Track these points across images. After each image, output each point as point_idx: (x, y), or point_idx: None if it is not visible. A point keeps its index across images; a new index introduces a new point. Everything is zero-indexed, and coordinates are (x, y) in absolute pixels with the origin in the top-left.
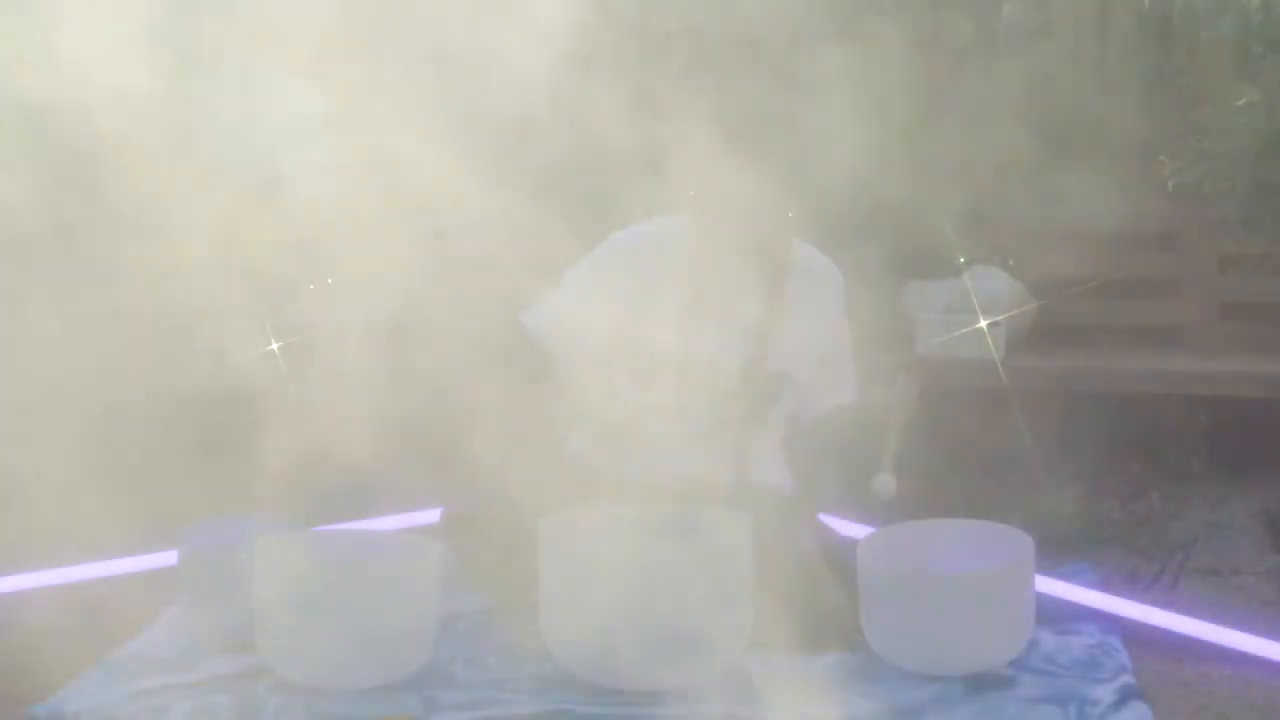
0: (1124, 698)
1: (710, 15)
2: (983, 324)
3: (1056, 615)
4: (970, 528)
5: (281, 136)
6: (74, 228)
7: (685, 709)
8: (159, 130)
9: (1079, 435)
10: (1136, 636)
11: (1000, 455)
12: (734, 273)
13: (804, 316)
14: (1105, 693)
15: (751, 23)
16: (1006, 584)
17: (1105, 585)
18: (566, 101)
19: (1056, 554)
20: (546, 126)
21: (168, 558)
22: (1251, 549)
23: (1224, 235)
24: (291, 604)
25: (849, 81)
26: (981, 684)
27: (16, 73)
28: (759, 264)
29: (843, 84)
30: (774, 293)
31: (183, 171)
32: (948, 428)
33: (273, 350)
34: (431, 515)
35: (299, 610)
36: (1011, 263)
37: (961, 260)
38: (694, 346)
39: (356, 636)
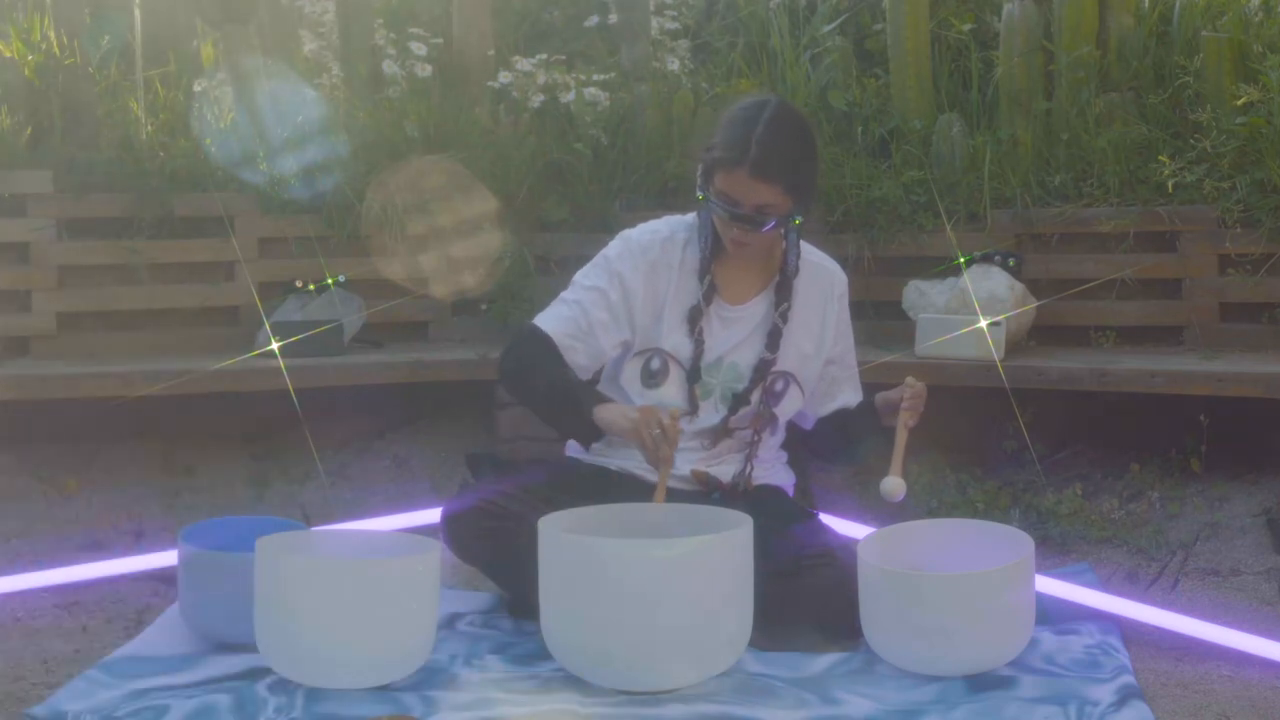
0: (1124, 698)
1: None
2: (983, 324)
3: (1056, 615)
4: (970, 528)
5: None
6: None
7: (685, 709)
8: None
9: (1079, 435)
10: (1136, 636)
11: (1000, 455)
12: (744, 273)
13: (810, 317)
14: (1105, 693)
15: None
16: (1006, 584)
17: (1105, 585)
18: None
19: (1056, 554)
20: None
21: (168, 558)
22: (1251, 549)
23: (1224, 235)
24: (291, 604)
25: None
26: (981, 684)
27: None
28: (768, 264)
29: None
30: (782, 293)
31: None
32: (948, 427)
33: None
34: (431, 515)
35: (299, 610)
36: (1012, 263)
37: (961, 260)
38: (704, 346)
39: (356, 636)
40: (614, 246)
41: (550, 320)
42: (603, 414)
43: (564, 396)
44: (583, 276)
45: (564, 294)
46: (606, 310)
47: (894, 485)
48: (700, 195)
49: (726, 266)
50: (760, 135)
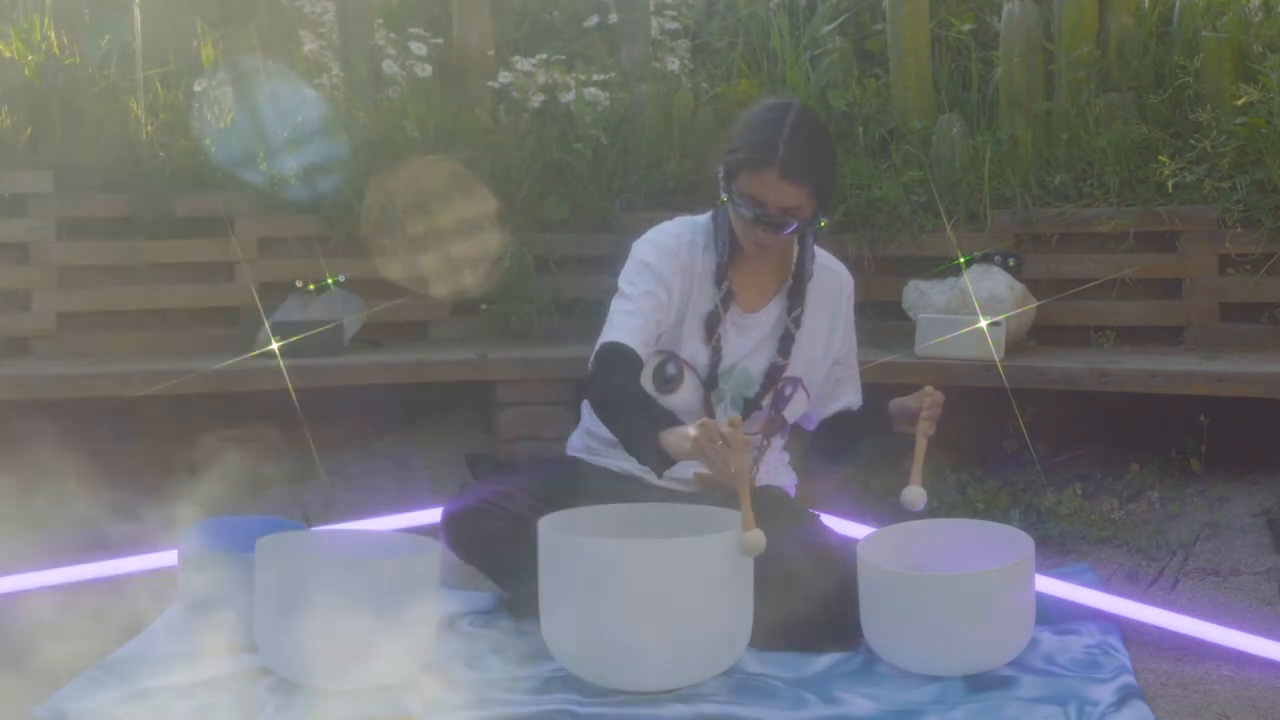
0: (1124, 698)
1: None
2: (983, 324)
3: (1056, 615)
4: (970, 528)
5: None
6: None
7: (685, 709)
8: None
9: (1079, 435)
10: (1136, 636)
11: (1000, 455)
12: (757, 278)
13: (820, 321)
14: (1105, 693)
15: None
16: (1006, 584)
17: (1105, 585)
18: None
19: (1056, 554)
20: None
21: (168, 558)
22: (1251, 549)
23: (1224, 235)
24: (291, 604)
25: None
26: (981, 684)
27: None
28: (781, 269)
29: None
30: (795, 298)
31: None
32: (948, 428)
33: None
34: (432, 515)
35: (299, 610)
36: (1012, 263)
37: (961, 260)
38: (721, 349)
39: (356, 636)
40: (647, 252)
41: (626, 333)
42: (667, 440)
43: (640, 427)
44: (630, 285)
45: (620, 306)
46: (663, 312)
47: (915, 495)
48: (724, 197)
49: (740, 271)
50: (788, 137)
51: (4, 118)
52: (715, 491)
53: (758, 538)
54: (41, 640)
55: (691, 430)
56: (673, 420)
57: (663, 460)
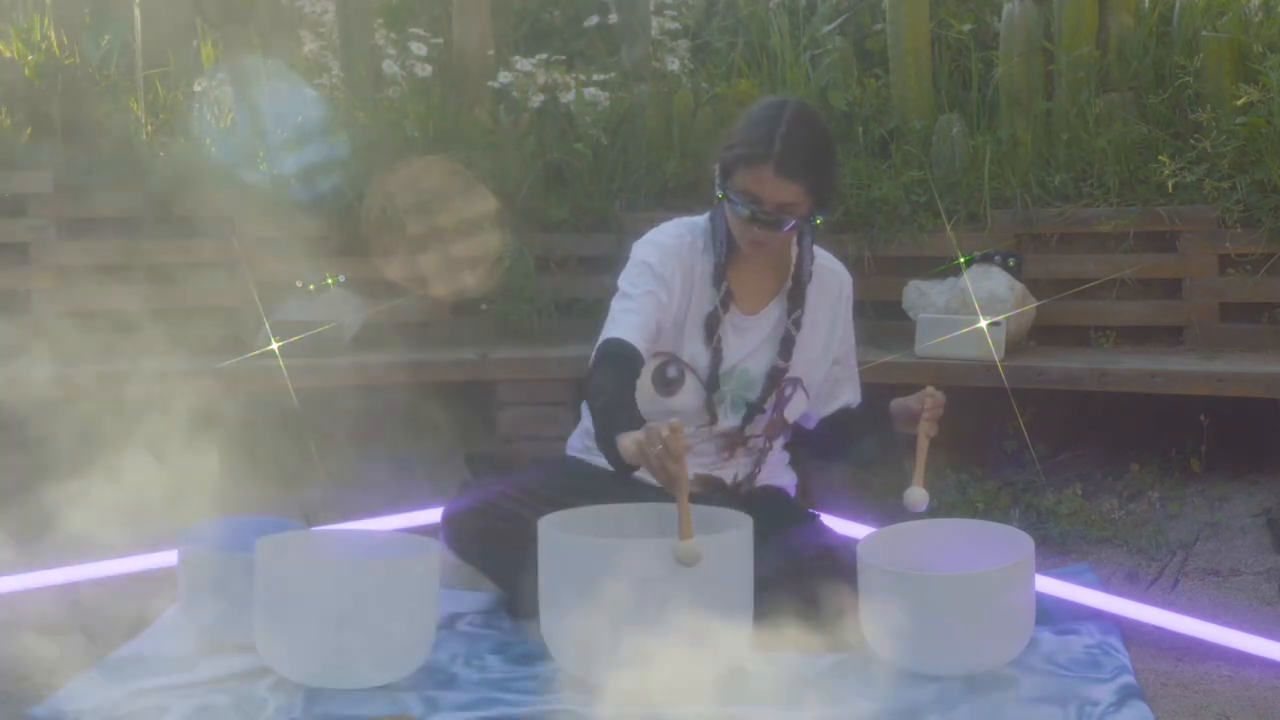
0: (1124, 698)
1: None
2: (983, 324)
3: (1056, 615)
4: (970, 528)
5: None
6: None
7: (685, 709)
8: None
9: (1079, 435)
10: (1136, 636)
11: (1000, 455)
12: (756, 278)
13: (819, 321)
14: (1105, 693)
15: None
16: (1006, 584)
17: (1105, 585)
18: None
19: (1056, 554)
20: None
21: (168, 558)
22: (1251, 549)
23: (1224, 235)
24: (291, 604)
25: None
26: (981, 684)
27: None
28: (779, 269)
29: None
30: (795, 300)
31: None
32: (948, 428)
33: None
34: (432, 515)
35: (299, 610)
36: (1012, 263)
37: (961, 260)
38: (721, 350)
39: (356, 636)
40: (648, 252)
41: (627, 330)
42: (621, 442)
43: (607, 429)
44: (630, 285)
45: (621, 305)
46: (663, 312)
47: (917, 495)
48: (720, 194)
49: (738, 271)
50: (784, 133)
51: (4, 118)
52: (715, 492)
53: (692, 548)
54: (42, 640)
55: (640, 434)
56: (637, 423)
57: (621, 463)
